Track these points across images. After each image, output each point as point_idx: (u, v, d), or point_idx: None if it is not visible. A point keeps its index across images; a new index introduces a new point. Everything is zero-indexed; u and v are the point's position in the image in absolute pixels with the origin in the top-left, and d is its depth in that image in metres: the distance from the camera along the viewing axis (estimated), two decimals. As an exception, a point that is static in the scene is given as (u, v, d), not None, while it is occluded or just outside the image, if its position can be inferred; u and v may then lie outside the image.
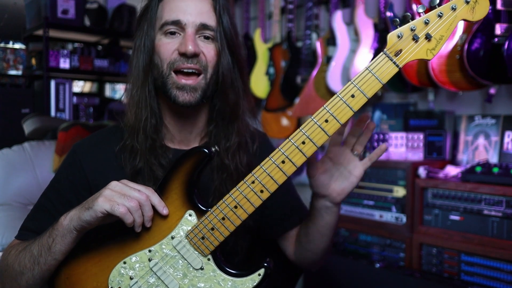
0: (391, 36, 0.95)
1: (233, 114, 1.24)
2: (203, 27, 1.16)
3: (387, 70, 0.96)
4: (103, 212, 1.00)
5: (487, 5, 0.93)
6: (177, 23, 1.15)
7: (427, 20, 0.94)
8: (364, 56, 2.60)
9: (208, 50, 1.18)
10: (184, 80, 1.16)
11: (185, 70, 1.16)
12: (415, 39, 0.95)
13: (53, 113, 3.68)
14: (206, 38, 1.18)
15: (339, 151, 1.12)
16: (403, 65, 0.95)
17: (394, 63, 0.95)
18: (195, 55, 1.15)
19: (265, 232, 1.36)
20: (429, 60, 0.96)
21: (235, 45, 1.22)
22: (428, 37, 0.95)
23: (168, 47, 1.16)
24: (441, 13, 0.94)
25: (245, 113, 1.28)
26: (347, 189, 1.11)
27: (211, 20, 1.18)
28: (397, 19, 0.96)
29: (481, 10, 0.94)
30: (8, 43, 4.04)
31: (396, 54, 0.95)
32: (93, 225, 1.04)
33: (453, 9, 0.94)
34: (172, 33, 1.17)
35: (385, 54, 0.96)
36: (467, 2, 0.93)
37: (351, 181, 1.11)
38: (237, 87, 1.24)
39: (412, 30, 0.95)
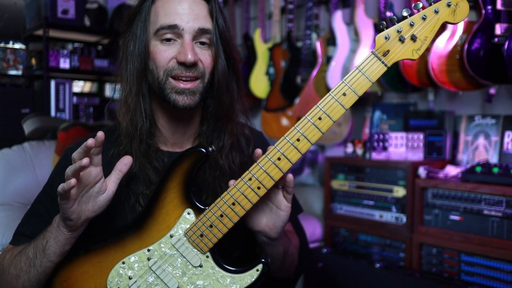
0: (379, 38, 1.01)
1: (227, 116, 1.24)
2: (200, 31, 1.15)
3: (376, 69, 1.01)
4: (61, 198, 0.98)
5: (467, 8, 1.00)
6: (173, 27, 1.13)
7: (412, 22, 1.00)
8: (364, 56, 2.59)
9: (206, 57, 1.17)
10: (183, 85, 1.15)
11: (184, 78, 1.15)
12: (402, 40, 1.01)
13: (53, 113, 3.67)
14: (202, 44, 1.17)
15: None
16: (391, 64, 1.01)
17: (383, 62, 1.01)
18: (193, 64, 1.14)
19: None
20: (415, 60, 1.02)
21: (230, 48, 1.21)
22: (413, 38, 1.01)
23: (164, 55, 1.14)
24: (425, 15, 1.00)
25: (238, 115, 1.28)
26: (278, 224, 1.10)
27: (208, 24, 1.16)
28: (384, 22, 1.02)
29: (462, 13, 1.01)
30: (8, 43, 4.04)
31: (384, 54, 1.01)
32: (74, 220, 1.01)
33: (436, 12, 1.00)
34: (168, 40, 1.14)
35: (374, 54, 1.01)
36: (449, 5, 1.00)
37: (279, 216, 1.09)
38: (232, 90, 1.24)
39: (398, 32, 1.01)
